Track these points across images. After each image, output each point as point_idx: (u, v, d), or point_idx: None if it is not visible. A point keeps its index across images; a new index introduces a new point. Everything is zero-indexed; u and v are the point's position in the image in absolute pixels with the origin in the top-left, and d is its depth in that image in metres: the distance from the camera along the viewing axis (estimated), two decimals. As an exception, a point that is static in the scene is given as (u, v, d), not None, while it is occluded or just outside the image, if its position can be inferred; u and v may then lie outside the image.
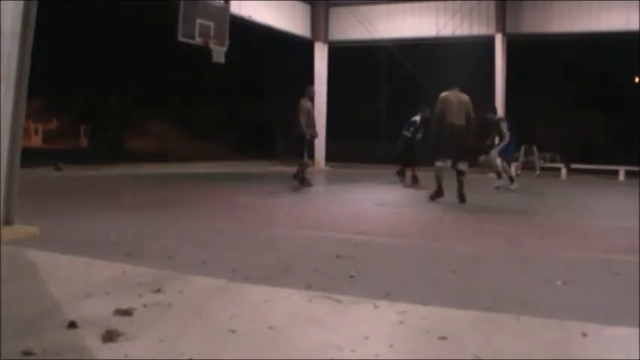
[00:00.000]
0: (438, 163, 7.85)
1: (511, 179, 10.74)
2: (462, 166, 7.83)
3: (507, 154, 10.97)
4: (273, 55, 26.51)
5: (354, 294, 3.03)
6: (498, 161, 10.69)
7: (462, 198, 7.75)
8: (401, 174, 11.55)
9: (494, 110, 11.47)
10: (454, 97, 7.88)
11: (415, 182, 10.88)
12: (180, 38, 11.07)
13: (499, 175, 10.84)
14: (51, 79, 25.80)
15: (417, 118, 11.13)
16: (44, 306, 2.69)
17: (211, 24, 11.56)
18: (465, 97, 7.94)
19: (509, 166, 11.27)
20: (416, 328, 2.51)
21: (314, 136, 10.37)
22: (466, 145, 7.96)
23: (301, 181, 9.99)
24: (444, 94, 7.93)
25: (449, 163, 7.84)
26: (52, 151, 23.56)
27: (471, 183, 10.51)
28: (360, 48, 19.44)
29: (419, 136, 11.00)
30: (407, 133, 11.18)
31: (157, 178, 12.12)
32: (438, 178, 7.90)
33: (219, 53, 11.70)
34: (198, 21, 11.26)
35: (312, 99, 10.20)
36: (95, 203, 7.06)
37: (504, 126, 10.72)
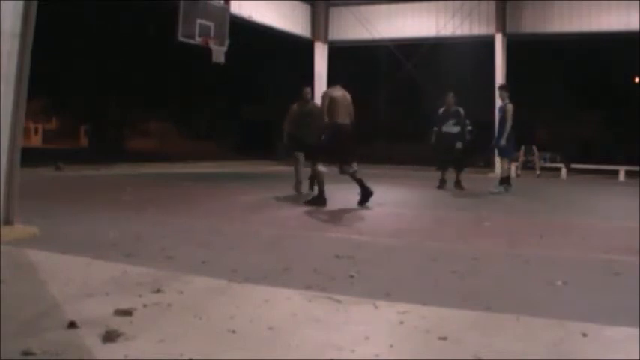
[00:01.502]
0: (321, 168, 7.25)
1: (508, 180, 9.89)
2: (350, 169, 7.22)
3: (508, 153, 10.07)
4: (273, 55, 26.52)
5: (354, 294, 3.03)
6: (505, 161, 9.99)
7: (364, 197, 7.19)
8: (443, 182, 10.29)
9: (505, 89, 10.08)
10: (340, 94, 7.34)
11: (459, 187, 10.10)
12: (180, 38, 11.07)
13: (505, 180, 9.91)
14: (51, 79, 25.78)
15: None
16: (44, 306, 2.69)
17: (211, 24, 11.56)
18: (349, 95, 7.44)
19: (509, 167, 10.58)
20: (416, 328, 2.51)
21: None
22: (351, 146, 7.39)
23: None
24: (330, 90, 7.45)
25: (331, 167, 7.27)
26: (52, 151, 23.58)
27: (472, 183, 10.53)
28: (360, 48, 19.45)
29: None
30: (469, 128, 10.20)
31: (156, 178, 12.12)
32: (321, 185, 7.29)
33: (219, 53, 11.70)
34: (198, 21, 11.26)
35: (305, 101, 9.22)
36: (95, 203, 7.06)
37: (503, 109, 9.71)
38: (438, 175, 10.45)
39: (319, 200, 7.18)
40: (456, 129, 10.14)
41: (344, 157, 7.20)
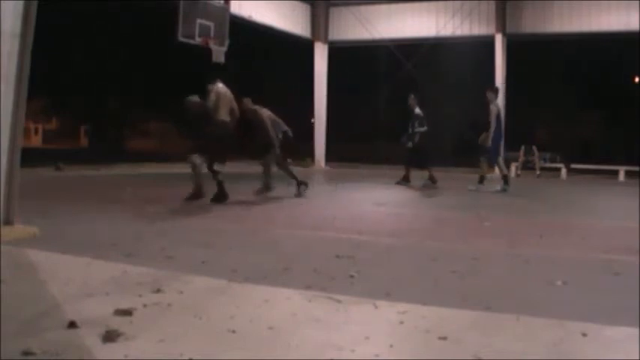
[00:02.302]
0: (197, 160, 7.08)
1: (505, 178, 10.04)
2: (218, 167, 7.23)
3: (492, 154, 10.14)
4: (273, 55, 26.50)
5: (354, 294, 3.03)
6: (485, 162, 10.16)
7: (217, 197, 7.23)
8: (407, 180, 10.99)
9: (494, 91, 10.31)
10: (223, 90, 7.34)
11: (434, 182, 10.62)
12: (181, 38, 11.07)
13: (504, 178, 10.08)
14: (51, 79, 25.77)
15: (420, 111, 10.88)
16: (44, 306, 2.69)
17: (211, 24, 11.56)
18: (229, 92, 7.47)
19: (504, 167, 10.62)
20: (416, 328, 2.51)
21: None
22: (228, 145, 7.39)
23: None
24: (218, 86, 7.33)
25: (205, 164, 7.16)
26: (52, 151, 23.58)
27: (471, 183, 10.52)
28: (360, 48, 19.45)
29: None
30: (421, 129, 10.75)
31: (156, 178, 12.11)
32: (198, 177, 7.21)
33: (219, 53, 11.70)
34: (198, 21, 11.26)
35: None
36: (95, 203, 7.06)
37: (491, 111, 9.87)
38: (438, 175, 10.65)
39: (198, 193, 7.15)
40: (422, 129, 10.75)
41: (218, 154, 7.19)
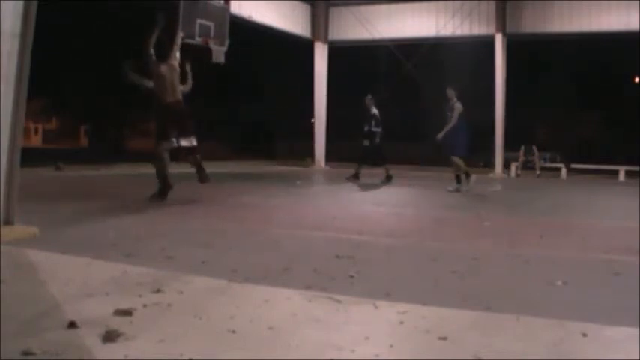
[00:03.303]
0: (164, 147, 6.85)
1: (457, 178, 9.82)
2: (186, 142, 6.95)
3: (457, 151, 9.81)
4: (273, 55, 26.52)
5: (354, 294, 3.03)
6: (455, 158, 9.81)
7: (202, 178, 7.14)
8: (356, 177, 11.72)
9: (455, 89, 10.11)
10: (164, 69, 6.93)
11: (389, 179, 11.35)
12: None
13: (466, 176, 9.88)
14: (51, 79, 25.76)
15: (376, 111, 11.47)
16: (44, 306, 2.69)
17: (211, 24, 11.56)
18: (177, 67, 7.07)
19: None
20: (416, 328, 2.51)
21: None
22: (186, 124, 7.03)
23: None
24: (156, 66, 6.95)
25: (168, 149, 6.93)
26: (52, 151, 23.58)
27: (472, 183, 10.53)
28: (360, 48, 19.45)
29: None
30: (377, 129, 11.39)
31: (156, 178, 12.09)
32: (162, 170, 6.96)
33: (219, 53, 11.70)
34: (199, 21, 11.26)
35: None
36: (95, 203, 7.06)
37: (451, 108, 9.81)
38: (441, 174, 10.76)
39: (164, 191, 6.92)
40: (378, 129, 11.45)
41: (181, 134, 6.89)
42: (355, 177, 11.73)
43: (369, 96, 11.64)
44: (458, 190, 9.62)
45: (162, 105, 6.91)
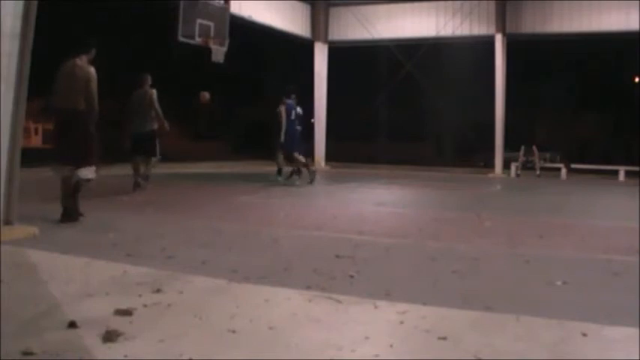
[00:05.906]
0: (83, 173, 5.44)
1: (279, 172, 11.05)
2: (84, 173, 5.43)
3: (290, 147, 10.79)
4: (273, 55, 26.51)
5: (354, 294, 3.03)
6: (293, 155, 10.69)
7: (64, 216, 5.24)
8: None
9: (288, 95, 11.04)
10: (68, 68, 5.49)
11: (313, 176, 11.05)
12: (181, 38, 11.07)
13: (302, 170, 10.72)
14: (51, 79, 25.75)
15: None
16: (44, 306, 2.69)
17: (211, 24, 11.56)
18: (86, 67, 5.44)
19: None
20: (416, 328, 2.51)
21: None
22: (84, 141, 5.41)
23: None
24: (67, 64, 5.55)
25: (66, 170, 5.47)
26: (52, 151, 23.50)
27: (471, 183, 10.54)
28: (360, 48, 19.44)
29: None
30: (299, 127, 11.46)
31: (156, 178, 12.09)
32: (68, 189, 5.43)
33: (219, 53, 11.70)
34: (198, 21, 11.26)
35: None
36: (95, 203, 7.05)
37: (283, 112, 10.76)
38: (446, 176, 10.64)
39: (71, 212, 5.33)
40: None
41: (70, 156, 5.40)
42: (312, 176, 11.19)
43: (293, 95, 11.30)
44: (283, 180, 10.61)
45: (56, 111, 5.67)
